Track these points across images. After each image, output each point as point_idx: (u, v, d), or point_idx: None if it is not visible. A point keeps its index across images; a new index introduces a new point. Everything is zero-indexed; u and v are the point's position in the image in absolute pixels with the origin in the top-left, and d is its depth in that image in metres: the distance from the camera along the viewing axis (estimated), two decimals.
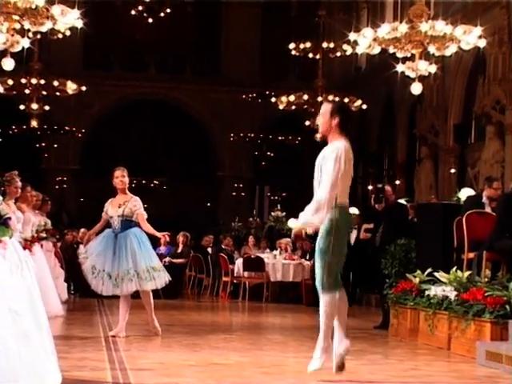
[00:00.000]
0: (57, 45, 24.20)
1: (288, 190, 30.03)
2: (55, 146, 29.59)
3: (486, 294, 7.71)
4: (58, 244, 15.74)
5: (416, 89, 13.73)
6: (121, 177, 9.27)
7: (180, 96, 30.98)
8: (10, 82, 21.26)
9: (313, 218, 6.01)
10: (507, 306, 7.48)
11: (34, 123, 23.11)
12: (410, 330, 9.24)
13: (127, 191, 9.32)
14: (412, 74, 13.61)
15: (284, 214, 22.62)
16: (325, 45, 23.15)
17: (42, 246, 11.90)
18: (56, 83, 22.02)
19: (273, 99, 24.05)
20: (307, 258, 17.12)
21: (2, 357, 4.60)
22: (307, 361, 6.21)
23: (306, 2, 28.32)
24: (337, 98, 20.71)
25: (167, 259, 16.81)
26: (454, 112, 20.81)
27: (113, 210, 9.21)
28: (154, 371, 6.47)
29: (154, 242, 10.38)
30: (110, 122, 30.42)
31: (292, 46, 23.37)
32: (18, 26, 12.67)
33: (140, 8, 26.68)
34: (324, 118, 6.27)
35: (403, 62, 13.76)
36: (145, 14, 27.02)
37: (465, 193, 11.43)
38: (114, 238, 9.10)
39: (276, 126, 29.34)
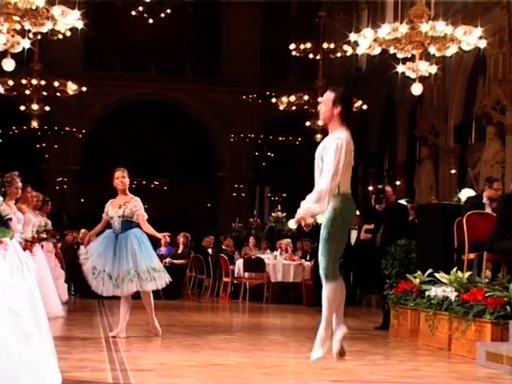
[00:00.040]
0: (57, 45, 24.23)
1: (288, 191, 30.01)
2: (56, 146, 29.60)
3: (487, 295, 7.71)
4: (59, 245, 15.75)
5: (416, 89, 13.74)
6: (121, 177, 9.27)
7: (180, 96, 30.99)
8: (11, 82, 21.27)
9: (314, 206, 6.02)
10: (508, 307, 7.47)
11: (34, 124, 23.12)
12: (411, 330, 9.24)
13: (127, 192, 9.32)
14: (412, 75, 13.62)
15: (284, 214, 22.63)
16: (325, 45, 23.17)
17: (42, 246, 11.90)
18: (56, 84, 22.04)
19: (273, 100, 24.08)
20: (307, 258, 17.13)
21: (3, 357, 4.60)
22: (308, 361, 6.21)
23: (307, 3, 28.34)
24: None
25: (167, 260, 16.81)
26: (455, 112, 20.81)
27: (113, 210, 9.21)
28: (155, 372, 6.47)
29: (155, 242, 10.38)
30: (110, 123, 30.42)
31: (292, 46, 23.38)
32: (18, 26, 12.68)
33: (140, 8, 26.71)
34: (326, 106, 6.24)
35: (403, 63, 13.77)
36: (145, 15, 27.05)
37: (465, 193, 11.43)
38: (115, 239, 9.10)
39: (276, 126, 29.34)
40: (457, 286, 8.33)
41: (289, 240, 18.48)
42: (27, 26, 12.68)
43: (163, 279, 9.18)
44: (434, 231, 9.93)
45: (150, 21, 27.29)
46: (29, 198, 10.79)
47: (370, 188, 22.67)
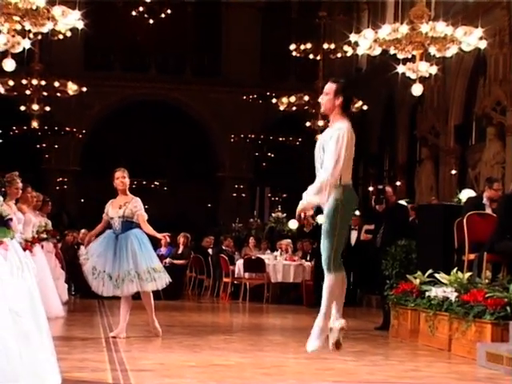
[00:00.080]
0: (57, 46, 24.22)
1: (289, 191, 30.00)
2: (56, 146, 29.60)
3: (487, 296, 7.71)
4: (59, 245, 15.75)
5: (417, 90, 13.74)
6: (121, 178, 9.27)
7: (180, 97, 31.00)
8: (11, 82, 21.28)
9: (315, 197, 6.04)
10: (508, 308, 7.48)
11: (34, 124, 23.13)
12: (411, 331, 9.24)
13: (128, 192, 9.31)
14: (413, 75, 13.62)
15: (285, 215, 22.64)
16: (325, 46, 23.19)
17: (42, 246, 11.90)
18: (57, 84, 22.05)
19: (273, 100, 24.08)
20: (308, 259, 17.13)
21: (3, 357, 4.60)
22: (308, 362, 6.22)
23: (307, 3, 28.35)
24: None
25: (168, 260, 16.81)
26: (455, 113, 20.81)
27: (113, 211, 9.21)
28: (155, 372, 6.47)
29: (155, 243, 10.37)
30: (110, 123, 30.43)
31: (293, 46, 23.40)
32: (18, 26, 12.68)
33: (141, 9, 26.71)
34: (327, 97, 6.25)
35: (404, 63, 13.77)
36: (145, 15, 27.05)
37: (465, 194, 11.43)
38: (115, 239, 9.10)
39: (277, 126, 29.34)
40: (457, 286, 8.33)
41: (289, 240, 18.47)
42: (28, 26, 12.68)
43: (163, 279, 9.18)
44: (434, 232, 9.93)
45: (151, 21, 27.30)
46: (29, 198, 10.79)
47: (371, 188, 22.66)
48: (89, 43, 29.26)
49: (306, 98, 22.81)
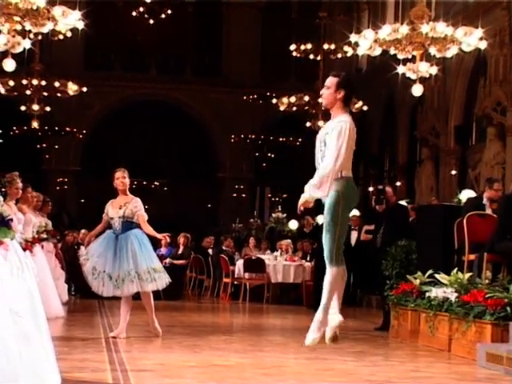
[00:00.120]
0: (58, 46, 24.23)
1: (289, 192, 29.99)
2: (56, 147, 29.62)
3: (487, 296, 7.71)
4: (59, 245, 15.75)
5: (417, 90, 13.74)
6: (121, 178, 9.27)
7: (181, 97, 31.01)
8: (11, 83, 21.28)
9: (316, 191, 6.04)
10: (508, 308, 7.47)
11: (34, 124, 23.14)
12: (411, 331, 9.24)
13: (128, 192, 9.31)
14: (413, 76, 13.62)
15: (285, 215, 22.65)
16: (326, 46, 23.20)
17: (42, 246, 11.90)
18: (57, 84, 22.05)
19: (274, 100, 24.09)
20: (308, 259, 17.12)
21: (3, 357, 4.60)
22: (308, 362, 6.22)
23: (307, 3, 28.35)
24: None
25: (168, 260, 16.81)
26: (455, 113, 20.82)
27: (113, 211, 9.21)
28: (155, 372, 6.47)
29: (155, 243, 10.37)
30: (110, 123, 30.44)
31: (293, 47, 23.41)
32: (19, 27, 12.69)
33: (141, 9, 26.71)
34: (329, 91, 6.25)
35: (404, 64, 13.77)
36: (146, 15, 27.04)
37: (465, 194, 11.44)
38: (115, 239, 9.10)
39: (277, 127, 29.36)
40: (457, 287, 8.33)
41: (289, 241, 18.47)
42: (28, 26, 12.68)
43: (163, 280, 9.17)
44: (434, 232, 9.93)
45: (151, 21, 27.30)
46: (29, 198, 10.79)
47: (371, 189, 22.65)
48: (89, 43, 29.28)
49: (307, 98, 22.82)
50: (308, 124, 23.18)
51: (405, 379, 6.53)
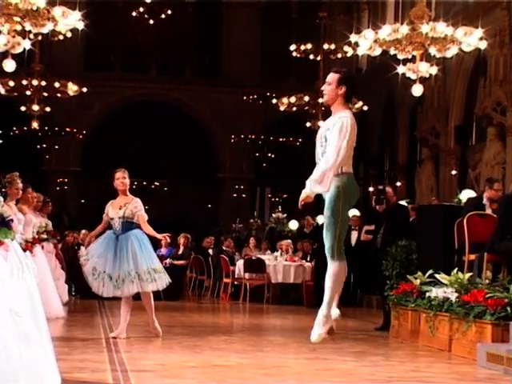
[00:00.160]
0: (58, 46, 24.21)
1: (289, 192, 29.97)
2: (56, 147, 29.62)
3: (487, 296, 7.71)
4: (59, 245, 15.75)
5: (417, 90, 13.74)
6: (122, 178, 9.26)
7: (181, 97, 31.01)
8: (11, 83, 21.29)
9: (317, 186, 6.05)
10: (508, 308, 7.47)
11: (34, 125, 23.14)
12: (411, 331, 9.23)
13: (128, 193, 9.31)
14: (413, 76, 13.62)
15: (285, 215, 22.65)
16: (326, 46, 23.20)
17: (42, 247, 11.91)
18: (57, 84, 22.06)
19: (274, 100, 24.10)
20: (308, 259, 17.12)
21: (3, 357, 4.60)
22: (308, 362, 6.21)
23: (307, 3, 28.36)
24: None
25: (168, 261, 16.81)
26: (455, 113, 20.82)
27: (113, 211, 9.21)
28: (155, 372, 6.47)
29: (155, 243, 10.37)
30: (110, 124, 30.45)
31: (293, 47, 23.42)
32: (19, 27, 12.70)
33: (141, 9, 26.71)
34: (330, 87, 6.26)
35: (404, 64, 13.77)
36: (146, 16, 27.05)
37: (466, 194, 11.44)
38: (115, 240, 9.10)
39: (277, 127, 29.36)
40: (457, 287, 8.32)
41: (289, 241, 18.47)
42: (28, 26, 12.69)
43: (164, 280, 9.17)
44: (434, 232, 9.93)
45: (151, 21, 27.30)
46: (29, 198, 10.80)
47: (371, 189, 22.66)
48: (89, 44, 29.29)
49: (307, 98, 22.82)
50: (308, 124, 23.18)
51: (405, 379, 6.52)
